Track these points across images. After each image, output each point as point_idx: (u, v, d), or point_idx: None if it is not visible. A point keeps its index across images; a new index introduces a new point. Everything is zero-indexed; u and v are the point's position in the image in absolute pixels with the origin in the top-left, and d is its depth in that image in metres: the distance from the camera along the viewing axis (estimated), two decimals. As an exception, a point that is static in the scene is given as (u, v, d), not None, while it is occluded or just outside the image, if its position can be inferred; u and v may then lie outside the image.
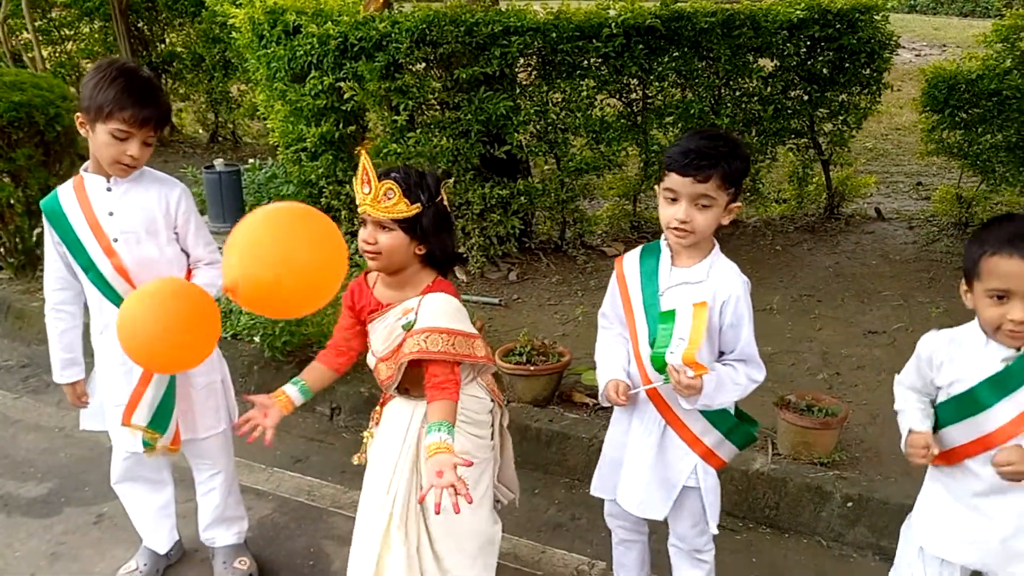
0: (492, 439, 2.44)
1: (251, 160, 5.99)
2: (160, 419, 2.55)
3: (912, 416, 2.12)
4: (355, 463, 2.50)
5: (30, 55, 7.92)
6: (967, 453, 2.04)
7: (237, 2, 5.55)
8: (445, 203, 2.25)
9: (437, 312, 2.21)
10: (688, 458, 2.32)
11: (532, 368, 3.61)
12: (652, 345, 2.23)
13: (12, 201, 4.76)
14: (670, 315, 2.19)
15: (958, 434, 2.05)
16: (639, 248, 2.38)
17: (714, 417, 2.28)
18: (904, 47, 15.51)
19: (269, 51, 5.04)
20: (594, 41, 4.93)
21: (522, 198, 5.06)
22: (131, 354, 2.19)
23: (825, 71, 5.77)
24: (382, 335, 2.30)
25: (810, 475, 3.20)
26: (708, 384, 2.15)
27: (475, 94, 4.77)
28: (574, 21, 4.90)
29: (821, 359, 4.17)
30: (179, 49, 8.41)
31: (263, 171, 5.71)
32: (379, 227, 2.16)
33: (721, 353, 2.27)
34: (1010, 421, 1.96)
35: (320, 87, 4.83)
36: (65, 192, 2.50)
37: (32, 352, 4.58)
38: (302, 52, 4.81)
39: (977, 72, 5.69)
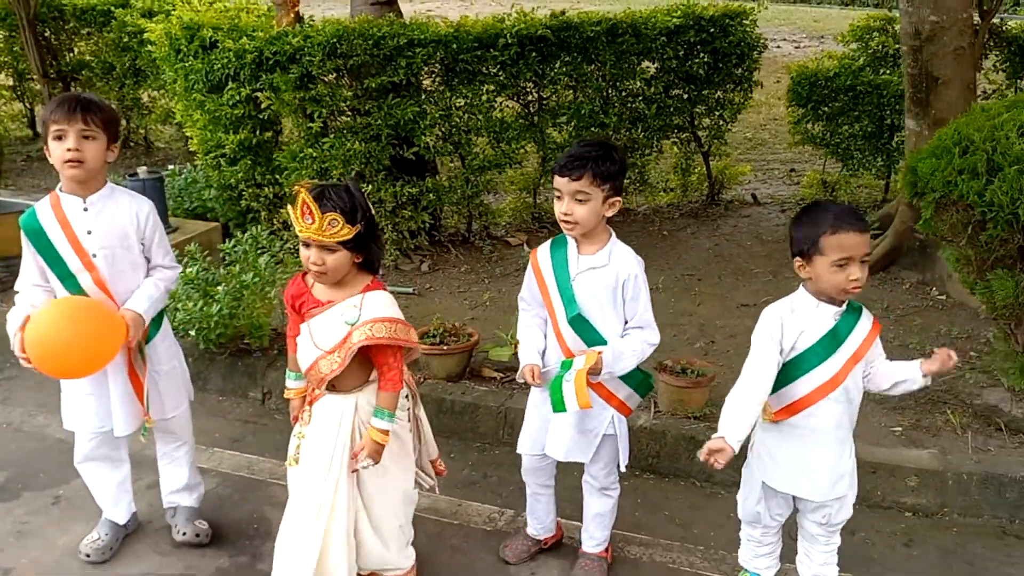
0: (408, 420, 2.81)
1: (169, 166, 6.26)
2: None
3: (735, 424, 2.49)
4: (290, 466, 2.77)
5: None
6: (812, 400, 2.50)
7: (147, 14, 5.82)
8: (371, 211, 2.57)
9: (380, 306, 2.56)
10: (606, 411, 2.84)
11: (445, 348, 4.08)
12: (570, 323, 2.73)
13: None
14: (568, 363, 2.73)
15: (804, 385, 2.50)
16: (549, 241, 2.86)
17: (625, 376, 2.80)
18: (786, 40, 16.49)
19: (187, 64, 5.35)
20: (491, 50, 5.40)
21: (431, 195, 5.51)
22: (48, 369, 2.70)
23: (702, 72, 6.36)
24: (324, 330, 2.59)
25: (685, 427, 3.76)
26: (606, 362, 2.67)
27: (384, 101, 5.18)
28: (473, 33, 5.36)
29: (699, 330, 4.75)
30: (88, 58, 8.51)
31: (182, 176, 6.00)
32: (324, 249, 2.46)
33: (626, 321, 2.76)
34: (843, 366, 2.47)
35: (238, 97, 5.17)
36: (43, 210, 2.81)
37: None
38: (219, 65, 5.15)
39: (835, 70, 6.40)
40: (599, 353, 2.68)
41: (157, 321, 3.03)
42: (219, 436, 4.05)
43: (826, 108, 6.46)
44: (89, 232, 2.80)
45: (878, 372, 2.59)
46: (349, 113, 5.29)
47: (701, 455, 2.46)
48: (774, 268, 5.61)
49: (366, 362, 2.63)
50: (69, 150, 2.70)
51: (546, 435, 2.92)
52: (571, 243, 2.77)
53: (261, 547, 3.25)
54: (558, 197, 2.67)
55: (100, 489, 3.23)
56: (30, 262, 2.85)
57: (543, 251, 2.84)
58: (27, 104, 9.20)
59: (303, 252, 2.51)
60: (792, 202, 7.00)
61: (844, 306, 2.49)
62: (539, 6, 6.06)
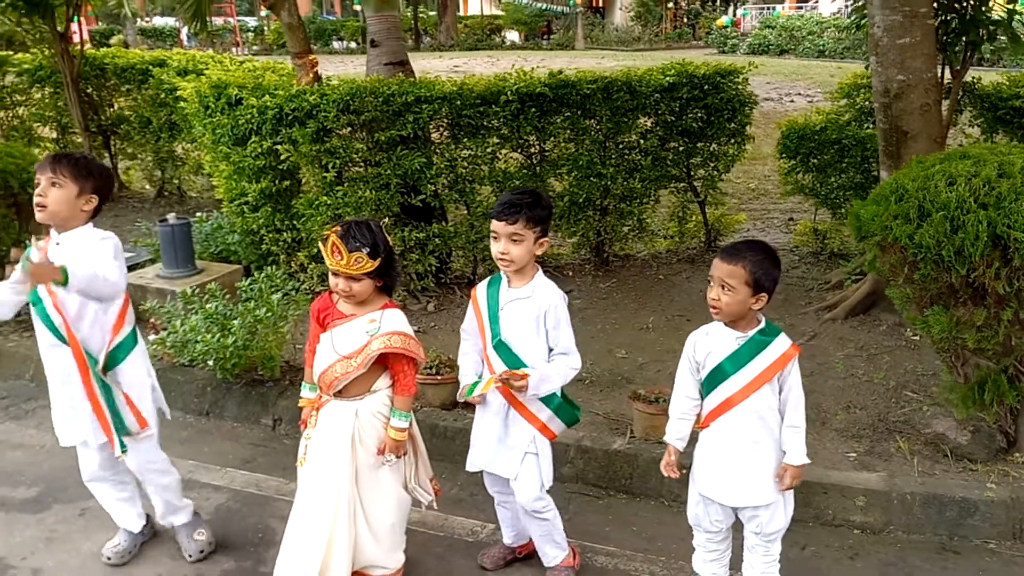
0: (409, 420, 3.20)
1: (199, 213, 6.73)
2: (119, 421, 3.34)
3: (671, 427, 3.03)
4: (299, 467, 3.17)
5: (-15, 120, 8.58)
6: (718, 413, 2.87)
7: (182, 72, 6.34)
8: (391, 244, 3.04)
9: (397, 322, 3.06)
10: (527, 430, 3.17)
11: (439, 377, 4.44)
12: (494, 348, 3.12)
13: (-13, 255, 5.44)
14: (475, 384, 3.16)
15: (712, 400, 2.88)
16: (487, 279, 3.27)
17: (545, 399, 3.17)
18: (800, 94, 16.91)
19: (214, 119, 5.84)
20: (493, 106, 5.84)
21: (437, 240, 5.92)
22: None
23: (696, 126, 6.73)
24: (346, 338, 3.03)
25: (657, 451, 4.05)
26: (531, 381, 3.03)
27: (393, 152, 5.63)
28: (476, 90, 5.81)
29: (682, 366, 5.07)
30: (127, 113, 9.11)
31: (209, 223, 6.47)
32: (351, 279, 2.93)
33: (550, 349, 3.13)
34: (743, 386, 2.80)
35: (260, 149, 5.64)
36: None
37: (10, 386, 5.26)
38: (243, 120, 5.63)
39: (821, 124, 6.76)
40: (526, 375, 3.02)
41: (127, 348, 3.36)
42: (232, 457, 4.43)
43: (815, 160, 6.81)
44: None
45: (785, 403, 2.85)
46: (361, 164, 5.74)
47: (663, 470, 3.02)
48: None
49: (373, 372, 3.06)
50: (37, 195, 3.14)
51: (474, 452, 3.31)
52: (504, 279, 3.16)
53: (264, 554, 3.60)
54: (495, 238, 3.05)
55: (108, 504, 3.59)
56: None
57: (481, 286, 3.25)
58: (70, 156, 9.78)
59: (332, 279, 2.99)
60: (786, 249, 7.32)
61: (750, 332, 2.82)
62: (567, 65, 6.50)
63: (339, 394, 3.09)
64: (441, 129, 6.00)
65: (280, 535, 3.70)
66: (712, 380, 2.88)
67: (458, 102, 5.70)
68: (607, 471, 4.11)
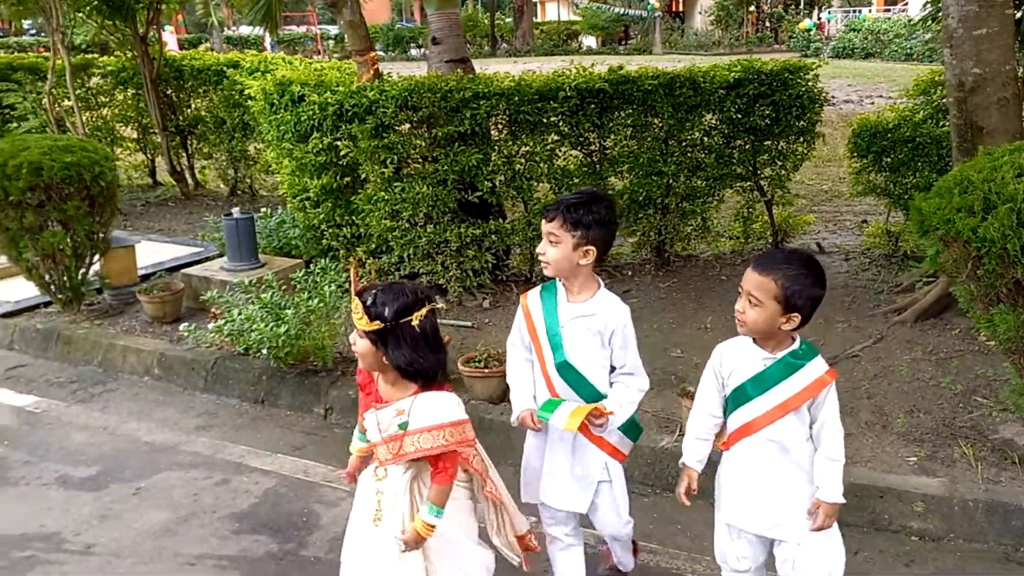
0: (468, 499, 2.81)
1: (263, 209, 6.88)
2: None
3: (688, 447, 2.73)
4: (375, 523, 2.70)
5: (71, 120, 8.93)
6: (739, 437, 2.59)
7: (254, 73, 6.49)
8: (415, 325, 2.51)
9: (427, 412, 2.55)
10: (598, 457, 2.91)
11: (487, 370, 4.43)
12: (557, 368, 2.83)
13: (62, 246, 5.63)
14: (554, 403, 2.82)
15: (733, 421, 2.61)
16: (539, 287, 2.96)
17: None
18: (882, 96, 16.44)
19: (278, 116, 5.96)
20: (552, 103, 5.81)
21: (493, 236, 5.91)
22: None
23: (763, 123, 6.57)
24: (383, 424, 2.60)
25: (705, 450, 3.97)
26: (613, 421, 2.81)
27: (451, 149, 5.65)
28: (534, 86, 5.79)
29: (738, 366, 4.94)
30: (203, 113, 9.39)
31: (274, 218, 6.60)
32: (357, 332, 2.57)
33: (613, 368, 2.87)
34: (764, 412, 2.52)
35: (321, 146, 5.73)
36: None
37: (78, 371, 5.45)
38: (306, 117, 5.73)
39: (895, 122, 6.53)
40: (608, 413, 2.76)
41: None
42: (282, 444, 4.49)
43: (888, 159, 6.58)
44: None
45: (819, 437, 2.55)
46: (419, 160, 5.78)
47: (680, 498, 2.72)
48: (824, 312, 5.73)
49: None
50: None
51: (539, 484, 2.99)
52: (560, 289, 2.86)
53: (307, 537, 3.64)
54: (541, 236, 2.82)
55: None
56: None
57: (533, 296, 2.93)
58: (148, 155, 10.14)
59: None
60: (857, 252, 7.09)
61: (780, 352, 2.51)
62: (626, 63, 6.44)
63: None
64: (499, 126, 6.00)
65: (324, 520, 3.78)
66: (735, 400, 2.62)
67: (516, 98, 5.69)
68: (653, 469, 4.02)
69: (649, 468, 4.03)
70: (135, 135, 9.95)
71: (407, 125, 5.72)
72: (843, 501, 2.52)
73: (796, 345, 2.53)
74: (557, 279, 2.87)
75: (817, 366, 2.51)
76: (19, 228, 5.52)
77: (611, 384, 2.89)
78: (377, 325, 2.49)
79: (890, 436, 4.08)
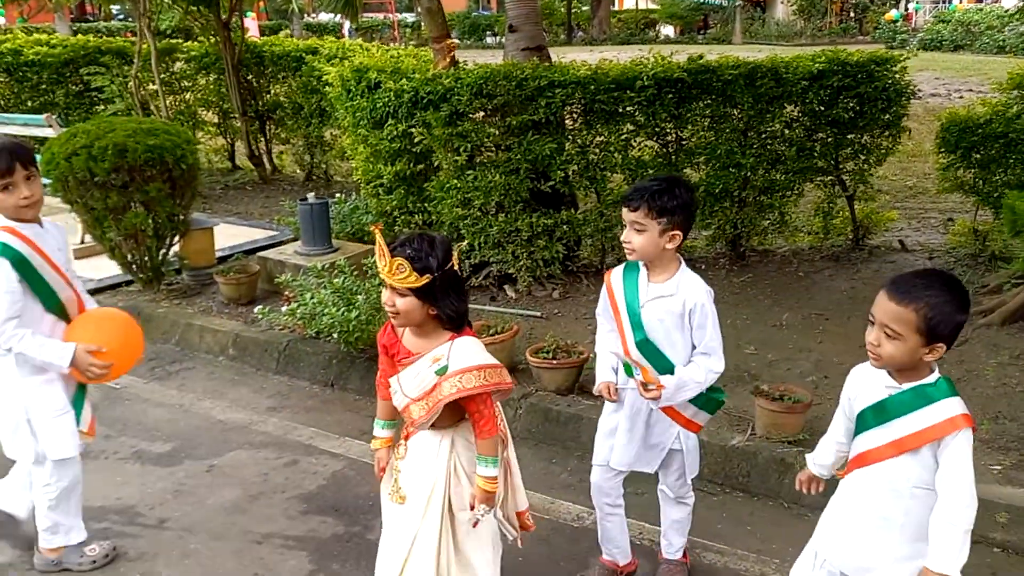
0: (498, 466, 2.70)
1: (338, 195, 6.96)
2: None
3: (817, 449, 2.64)
4: (392, 502, 2.76)
5: (156, 104, 9.17)
6: (853, 466, 2.41)
7: (331, 60, 6.56)
8: (455, 268, 2.51)
9: (468, 354, 2.53)
10: (672, 428, 3.00)
11: (555, 361, 4.39)
12: (637, 346, 2.87)
13: (144, 226, 5.78)
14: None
15: (853, 449, 2.43)
16: (623, 265, 3.01)
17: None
18: (971, 90, 15.84)
19: (355, 103, 6.01)
20: (628, 92, 5.72)
21: (565, 227, 5.86)
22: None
23: (846, 116, 6.36)
24: (413, 380, 2.57)
25: (777, 450, 3.88)
26: (666, 392, 2.80)
27: (524, 137, 5.61)
28: (610, 75, 5.71)
29: (814, 366, 4.81)
30: (282, 99, 9.54)
31: (347, 204, 6.67)
32: (396, 292, 2.47)
33: (693, 347, 2.89)
34: (878, 447, 2.31)
35: (395, 132, 5.75)
36: (12, 239, 2.99)
37: (157, 348, 5.59)
38: (381, 104, 5.75)
39: (986, 116, 6.26)
40: (661, 387, 2.79)
41: None
42: (351, 428, 4.53)
43: (977, 155, 6.32)
44: (59, 250, 3.16)
45: (942, 484, 2.22)
46: (492, 148, 5.75)
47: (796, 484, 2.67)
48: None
49: (454, 404, 2.57)
50: (24, 197, 3.00)
51: (609, 450, 3.09)
52: (642, 269, 2.91)
53: (372, 521, 3.66)
54: (623, 225, 2.87)
55: (67, 521, 3.37)
56: (11, 295, 2.99)
57: (616, 274, 3.00)
58: (228, 139, 10.35)
59: (383, 291, 2.58)
60: (942, 251, 6.84)
61: (908, 383, 2.28)
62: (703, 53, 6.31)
63: (432, 425, 2.66)
64: (574, 115, 5.94)
65: (390, 505, 3.80)
66: (857, 426, 2.42)
67: (592, 87, 5.62)
68: (724, 467, 3.94)
69: (719, 467, 3.95)
70: (216, 119, 10.16)
71: (481, 113, 5.71)
72: (957, 575, 2.18)
73: (932, 379, 2.27)
74: (628, 258, 2.91)
75: (951, 406, 2.22)
76: (103, 208, 5.67)
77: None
78: (427, 279, 2.42)
79: (974, 443, 3.90)
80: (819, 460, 2.64)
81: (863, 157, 6.62)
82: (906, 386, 2.27)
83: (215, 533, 3.61)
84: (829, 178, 6.73)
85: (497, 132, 5.67)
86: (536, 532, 3.55)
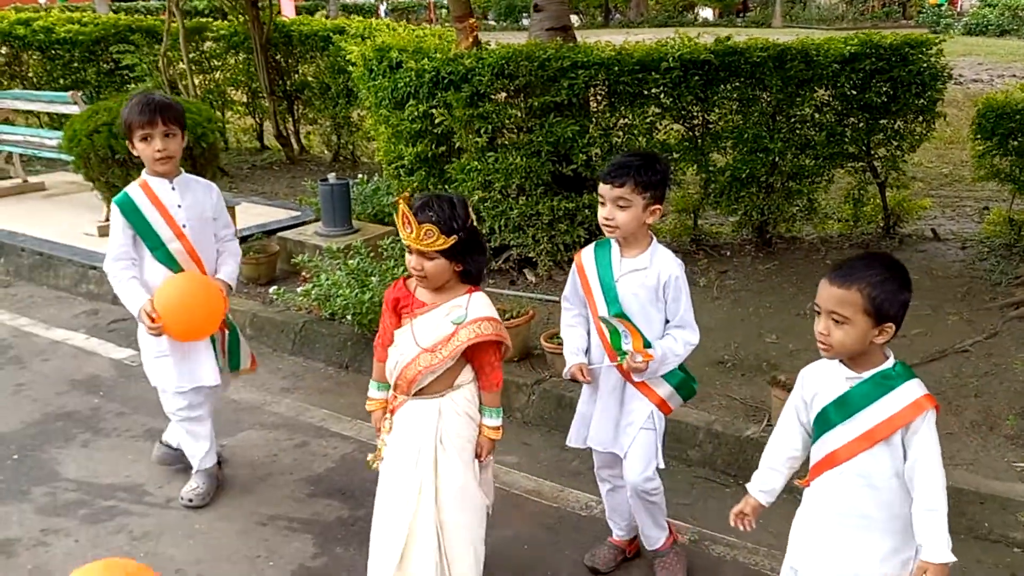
0: (476, 430, 2.84)
1: (360, 176, 6.92)
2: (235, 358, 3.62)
3: (756, 475, 2.53)
4: (372, 467, 2.90)
5: (184, 83, 9.19)
6: (819, 470, 2.31)
7: (360, 39, 6.50)
8: (474, 224, 2.66)
9: (485, 308, 2.71)
10: (645, 406, 2.97)
11: (569, 347, 4.32)
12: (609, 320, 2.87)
13: (165, 204, 5.79)
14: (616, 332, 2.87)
15: (815, 453, 2.33)
16: (593, 244, 3.01)
17: (667, 375, 2.95)
18: (1015, 76, 15.42)
19: (376, 83, 5.95)
20: (653, 74, 5.61)
21: (587, 211, 5.77)
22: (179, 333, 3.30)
23: (879, 100, 6.19)
24: (428, 328, 2.69)
25: (793, 442, 3.78)
26: (652, 364, 2.84)
27: (546, 119, 5.53)
28: (635, 56, 5.60)
29: (836, 356, 4.68)
30: (310, 79, 9.51)
31: (369, 185, 6.63)
32: (423, 256, 2.59)
33: (666, 321, 2.91)
34: (849, 441, 2.23)
35: (416, 113, 5.69)
36: (135, 191, 3.35)
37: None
38: (402, 83, 5.69)
39: (1024, 102, 6.06)
40: (649, 356, 2.80)
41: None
42: (363, 411, 4.41)
43: (1015, 142, 6.12)
44: (179, 206, 3.36)
45: (911, 478, 2.18)
46: (514, 130, 5.67)
47: (731, 519, 2.53)
48: (936, 303, 5.41)
49: (456, 365, 2.73)
50: (158, 149, 3.26)
51: (587, 431, 3.09)
52: (614, 246, 2.90)
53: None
54: (601, 203, 2.82)
55: (194, 445, 3.67)
56: (120, 238, 3.35)
57: (587, 253, 2.98)
58: (257, 119, 10.36)
59: (407, 256, 2.66)
60: (975, 240, 6.65)
61: (867, 372, 2.22)
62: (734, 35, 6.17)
63: (419, 392, 2.74)
64: (598, 97, 5.84)
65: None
66: (817, 428, 2.32)
67: (616, 68, 5.52)
68: (737, 458, 3.86)
69: (732, 457, 3.86)
70: (245, 99, 10.17)
71: (503, 94, 5.63)
72: (954, 559, 2.13)
73: (889, 364, 2.22)
74: (608, 236, 2.91)
75: (912, 389, 2.18)
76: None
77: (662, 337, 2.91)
78: (454, 239, 2.55)
79: (997, 439, 3.79)
80: (766, 485, 2.50)
81: (896, 143, 6.45)
82: (866, 375, 2.21)
83: (221, 513, 3.60)
84: (860, 164, 6.57)
85: (519, 114, 5.59)
86: (543, 520, 3.54)
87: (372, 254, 4.91)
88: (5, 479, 3.87)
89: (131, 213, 3.31)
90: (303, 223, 6.77)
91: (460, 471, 2.75)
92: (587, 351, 3.02)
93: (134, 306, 3.32)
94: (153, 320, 3.24)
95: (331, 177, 5.98)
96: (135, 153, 3.32)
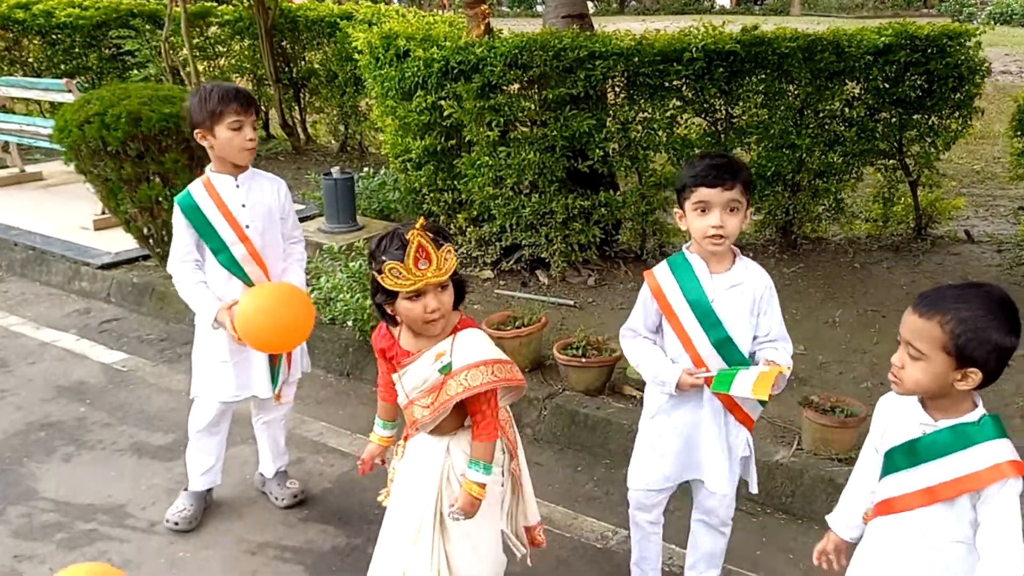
0: (502, 476, 2.54)
1: (365, 169, 6.63)
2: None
3: (838, 507, 2.26)
4: (381, 502, 2.69)
5: (187, 70, 8.90)
6: (879, 512, 2.07)
7: (368, 26, 6.19)
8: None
9: (473, 348, 2.31)
10: (742, 432, 2.71)
11: (584, 360, 4.03)
12: (716, 348, 2.55)
13: (160, 198, 5.50)
14: (728, 373, 2.52)
15: (880, 491, 2.09)
16: (664, 262, 2.66)
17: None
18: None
19: (383, 72, 5.65)
20: (675, 65, 5.28)
21: (603, 209, 5.47)
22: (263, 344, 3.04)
23: (913, 95, 5.86)
24: (415, 380, 2.37)
25: (826, 469, 3.48)
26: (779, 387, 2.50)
27: (561, 112, 5.21)
28: (656, 46, 5.27)
29: (869, 370, 4.38)
30: (316, 66, 9.21)
31: (375, 179, 6.34)
32: (441, 290, 2.24)
33: (754, 337, 2.60)
34: (908, 494, 1.98)
35: (424, 104, 5.39)
36: (197, 190, 3.13)
37: (170, 328, 5.34)
38: (410, 73, 5.39)
39: (1069, 97, 5.71)
40: (781, 370, 2.48)
41: None
42: (365, 422, 4.20)
43: (1058, 139, 5.79)
44: (243, 206, 3.11)
45: (982, 547, 1.88)
46: (527, 123, 5.37)
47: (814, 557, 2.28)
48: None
49: (459, 407, 2.37)
50: (249, 139, 3.05)
51: (665, 466, 2.73)
52: (698, 264, 2.57)
53: (377, 532, 3.32)
54: (701, 210, 2.47)
55: (202, 459, 3.42)
56: (184, 238, 3.14)
57: (663, 274, 2.63)
58: (263, 108, 10.05)
59: (410, 307, 2.25)
60: (1011, 243, 6.32)
61: (946, 420, 1.94)
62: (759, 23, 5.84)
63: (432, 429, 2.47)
64: (616, 89, 5.53)
65: (398, 514, 3.49)
66: (885, 466, 2.07)
67: (636, 59, 5.19)
68: (765, 486, 3.54)
69: (760, 485, 3.52)
70: (250, 86, 9.87)
71: (516, 85, 5.32)
72: None
73: (974, 415, 1.92)
74: (684, 251, 2.63)
75: (997, 450, 1.87)
76: (118, 179, 5.41)
77: (753, 355, 2.60)
78: (456, 263, 2.28)
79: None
80: (848, 520, 2.24)
81: (929, 140, 6.11)
82: (943, 424, 1.94)
83: (206, 541, 3.33)
84: (891, 162, 6.24)
85: (532, 106, 5.28)
86: (553, 552, 3.25)
87: (375, 255, 4.62)
88: (-20, 496, 3.62)
89: (192, 214, 3.09)
90: (306, 218, 6.49)
91: (479, 518, 2.45)
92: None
93: (207, 312, 3.10)
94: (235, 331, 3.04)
95: (335, 171, 5.70)
96: (207, 144, 3.06)
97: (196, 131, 3.05)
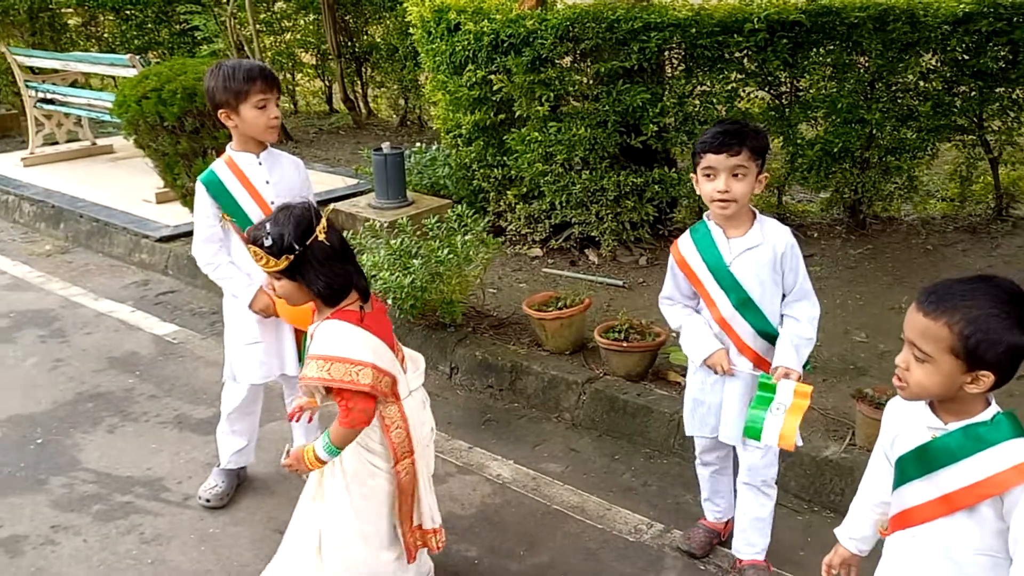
0: (387, 482, 2.52)
1: (418, 144, 6.56)
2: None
3: (846, 519, 2.13)
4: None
5: (252, 45, 8.95)
6: (895, 526, 1.91)
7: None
8: (322, 239, 2.33)
9: (322, 340, 2.35)
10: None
11: (625, 344, 3.90)
12: (736, 309, 2.65)
13: (215, 173, 5.54)
14: (771, 388, 2.57)
15: (894, 503, 1.93)
16: (687, 232, 2.77)
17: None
18: None
19: (434, 46, 5.56)
20: (736, 36, 5.05)
21: (657, 187, 5.29)
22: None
23: (996, 67, 5.48)
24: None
25: (878, 466, 3.28)
26: (793, 366, 2.59)
27: (614, 86, 5.04)
28: (716, 17, 5.05)
29: (934, 359, 4.13)
30: (378, 40, 9.17)
31: (426, 154, 6.26)
32: (274, 276, 2.41)
33: (783, 295, 2.68)
34: (924, 503, 1.82)
35: (474, 79, 5.28)
36: (220, 168, 3.10)
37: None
38: (460, 47, 5.29)
39: None
40: (812, 390, 2.56)
41: None
42: (401, 403, 4.18)
43: None
44: (267, 182, 3.09)
45: (1016, 552, 1.69)
46: (579, 98, 5.21)
47: (822, 570, 2.15)
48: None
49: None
50: (274, 117, 3.03)
51: (715, 419, 2.83)
52: (715, 229, 2.68)
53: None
54: (709, 176, 2.58)
55: (234, 441, 3.43)
56: (207, 219, 3.10)
57: (685, 243, 2.75)
58: (326, 82, 10.08)
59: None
60: (1099, 227, 5.91)
61: (957, 422, 1.77)
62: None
63: None
64: (673, 61, 5.32)
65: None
66: (896, 475, 1.90)
67: (693, 30, 4.98)
68: (813, 481, 3.38)
69: (808, 480, 3.39)
70: (314, 61, 9.90)
71: (567, 59, 5.17)
72: None
73: (987, 415, 1.76)
74: (705, 218, 2.72)
75: (1014, 451, 1.70)
76: (174, 153, 5.47)
77: (781, 317, 2.69)
78: (287, 260, 2.32)
79: None
80: (856, 532, 2.10)
81: (1012, 115, 5.72)
82: (953, 426, 1.77)
83: (236, 517, 3.33)
84: (970, 138, 5.87)
85: (584, 80, 5.13)
86: (583, 544, 3.15)
87: (419, 231, 4.55)
88: (26, 465, 3.69)
89: (217, 191, 3.06)
90: (359, 193, 6.47)
91: (339, 511, 2.53)
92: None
93: (243, 292, 3.11)
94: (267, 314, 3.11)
95: (385, 147, 5.63)
96: (231, 123, 3.05)
97: (220, 111, 3.01)
